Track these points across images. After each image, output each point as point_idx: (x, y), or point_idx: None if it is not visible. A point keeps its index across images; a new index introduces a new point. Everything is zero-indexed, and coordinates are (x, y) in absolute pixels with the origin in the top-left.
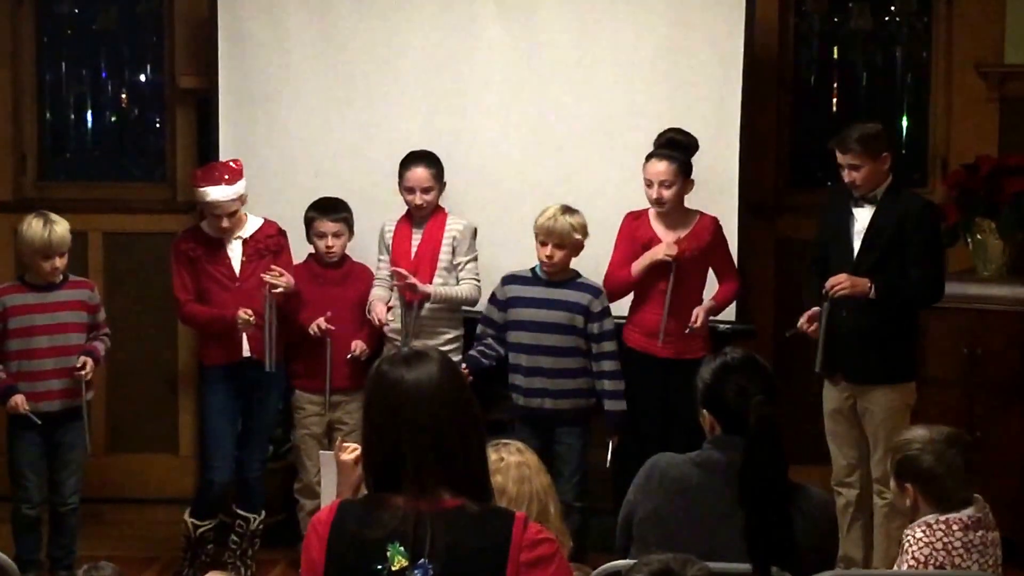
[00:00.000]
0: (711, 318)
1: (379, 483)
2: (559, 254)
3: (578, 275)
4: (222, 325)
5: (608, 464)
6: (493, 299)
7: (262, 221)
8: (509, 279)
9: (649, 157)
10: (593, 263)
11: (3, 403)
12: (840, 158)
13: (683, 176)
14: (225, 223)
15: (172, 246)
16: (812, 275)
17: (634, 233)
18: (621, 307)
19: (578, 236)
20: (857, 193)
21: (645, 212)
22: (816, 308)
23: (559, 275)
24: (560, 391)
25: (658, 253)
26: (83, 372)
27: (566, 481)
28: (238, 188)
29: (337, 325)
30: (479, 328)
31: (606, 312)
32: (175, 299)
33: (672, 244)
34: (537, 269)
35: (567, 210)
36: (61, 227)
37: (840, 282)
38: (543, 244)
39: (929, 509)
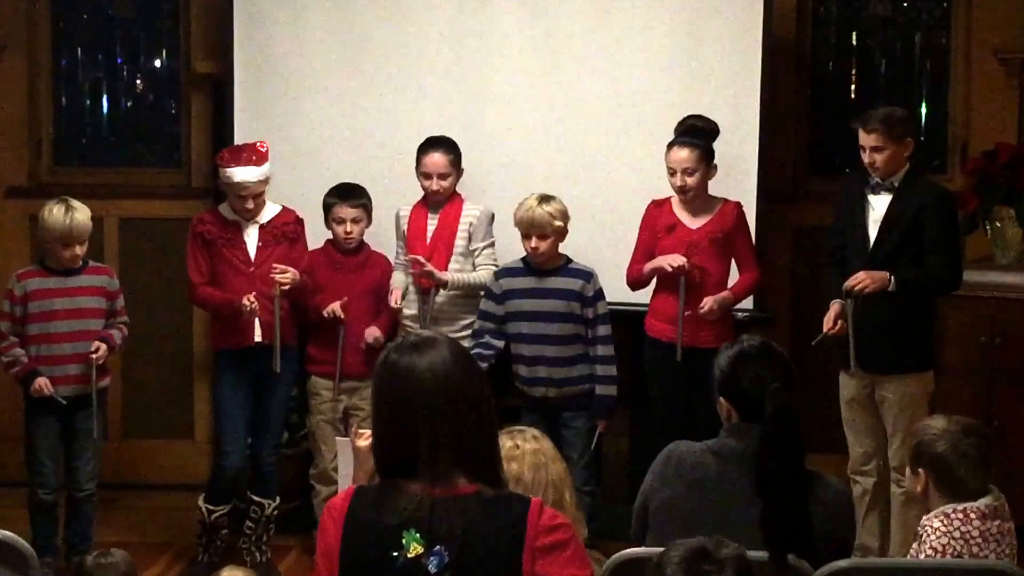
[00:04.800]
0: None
1: (391, 470)
2: (544, 244)
3: (569, 260)
4: (232, 310)
5: (592, 447)
6: (489, 293)
7: (280, 208)
8: (502, 272)
9: (671, 145)
10: (614, 250)
11: (26, 386)
12: (862, 138)
13: (706, 163)
14: (250, 204)
15: (189, 228)
16: (831, 266)
17: (656, 220)
18: (643, 295)
19: (559, 223)
20: (875, 176)
21: (668, 200)
22: (837, 303)
23: (549, 263)
24: (563, 379)
25: (663, 263)
26: (96, 355)
27: (574, 465)
28: (264, 170)
29: (353, 312)
30: (477, 324)
31: (599, 295)
32: (188, 281)
33: (678, 256)
34: (528, 259)
35: (544, 199)
36: (82, 214)
37: (860, 280)
38: (526, 237)
39: (938, 496)
